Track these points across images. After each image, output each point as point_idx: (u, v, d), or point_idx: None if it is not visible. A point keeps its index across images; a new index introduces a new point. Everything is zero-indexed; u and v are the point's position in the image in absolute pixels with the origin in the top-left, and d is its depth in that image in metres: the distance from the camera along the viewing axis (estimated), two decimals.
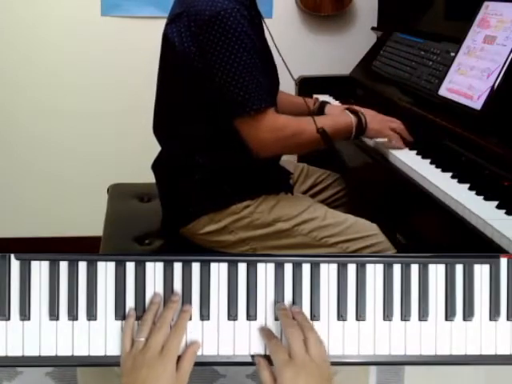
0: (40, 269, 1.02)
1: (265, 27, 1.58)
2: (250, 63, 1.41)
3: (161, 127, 1.63)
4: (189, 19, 1.42)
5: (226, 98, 1.42)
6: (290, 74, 1.59)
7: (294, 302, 1.04)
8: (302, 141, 1.52)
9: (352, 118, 1.57)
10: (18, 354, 1.01)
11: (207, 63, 1.42)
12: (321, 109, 1.83)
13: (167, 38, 1.48)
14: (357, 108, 1.64)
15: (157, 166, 1.66)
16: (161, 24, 1.55)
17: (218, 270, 1.04)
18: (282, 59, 1.57)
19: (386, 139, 1.64)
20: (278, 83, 1.62)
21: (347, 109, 1.63)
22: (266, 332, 1.02)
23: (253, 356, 1.02)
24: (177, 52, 1.45)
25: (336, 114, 1.63)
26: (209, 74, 1.43)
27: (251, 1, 1.51)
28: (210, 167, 1.53)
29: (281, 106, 1.63)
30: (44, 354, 1.01)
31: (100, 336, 1.02)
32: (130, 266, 1.03)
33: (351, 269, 1.05)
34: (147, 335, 0.98)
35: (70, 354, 1.01)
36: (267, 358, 1.00)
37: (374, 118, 1.60)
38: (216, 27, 1.39)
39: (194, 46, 1.43)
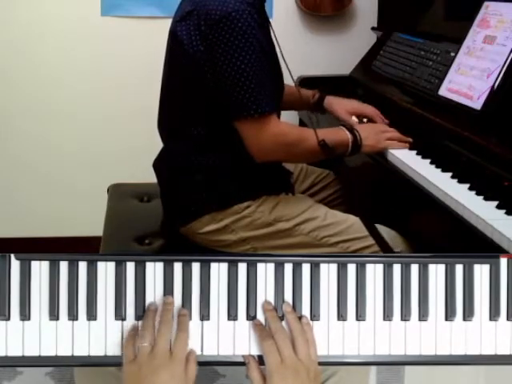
0: (40, 269, 1.02)
1: (270, 30, 1.58)
2: (258, 66, 1.41)
3: (163, 125, 1.63)
4: (199, 18, 1.42)
5: (231, 98, 1.42)
6: (291, 75, 1.59)
7: (294, 302, 1.04)
8: (302, 150, 1.52)
9: (348, 136, 1.57)
10: (18, 354, 1.01)
11: (215, 63, 1.42)
12: (320, 100, 1.83)
13: (176, 36, 1.48)
14: (352, 125, 1.64)
15: (158, 165, 1.66)
16: (161, 24, 1.55)
17: (218, 270, 1.04)
18: (284, 60, 1.57)
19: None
20: (282, 89, 1.62)
21: (343, 125, 1.63)
22: (261, 332, 1.02)
23: (243, 355, 1.02)
24: (184, 50, 1.45)
25: (333, 130, 1.63)
26: (215, 73, 1.43)
27: (261, 4, 1.51)
28: (211, 168, 1.53)
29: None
30: (44, 354, 1.01)
31: (100, 336, 1.02)
32: (130, 266, 1.03)
33: (351, 269, 1.05)
34: (151, 341, 0.97)
35: (69, 354, 1.01)
36: (258, 356, 1.01)
37: (368, 135, 1.59)
38: (226, 28, 1.38)
39: (203, 45, 1.43)
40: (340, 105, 1.83)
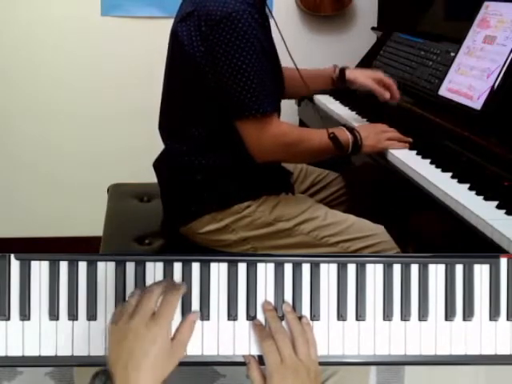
0: (40, 269, 1.02)
1: (274, 28, 1.57)
2: (259, 66, 1.41)
3: (164, 125, 1.63)
4: (199, 19, 1.42)
5: (233, 98, 1.42)
6: (297, 68, 1.60)
7: (293, 302, 1.04)
8: (302, 150, 1.53)
9: (349, 136, 1.57)
10: (18, 354, 1.01)
11: (215, 63, 1.42)
12: (342, 75, 1.82)
13: (176, 36, 1.48)
14: (353, 125, 1.64)
15: (158, 165, 1.66)
16: (161, 24, 1.56)
17: (218, 270, 1.04)
18: (290, 56, 1.57)
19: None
20: (283, 89, 1.62)
21: (343, 125, 1.63)
22: (261, 332, 1.02)
23: (244, 355, 1.02)
24: (185, 51, 1.45)
25: (334, 130, 1.63)
26: (216, 74, 1.43)
27: (261, 3, 1.51)
28: (211, 168, 1.53)
29: (298, 83, 1.64)
30: (44, 354, 1.01)
31: (100, 336, 1.01)
32: (130, 266, 1.03)
33: (351, 269, 1.05)
34: (137, 301, 0.93)
35: (69, 354, 1.01)
36: (259, 356, 1.01)
37: (368, 135, 1.59)
38: (227, 28, 1.39)
39: (203, 45, 1.43)
40: (364, 75, 1.81)
